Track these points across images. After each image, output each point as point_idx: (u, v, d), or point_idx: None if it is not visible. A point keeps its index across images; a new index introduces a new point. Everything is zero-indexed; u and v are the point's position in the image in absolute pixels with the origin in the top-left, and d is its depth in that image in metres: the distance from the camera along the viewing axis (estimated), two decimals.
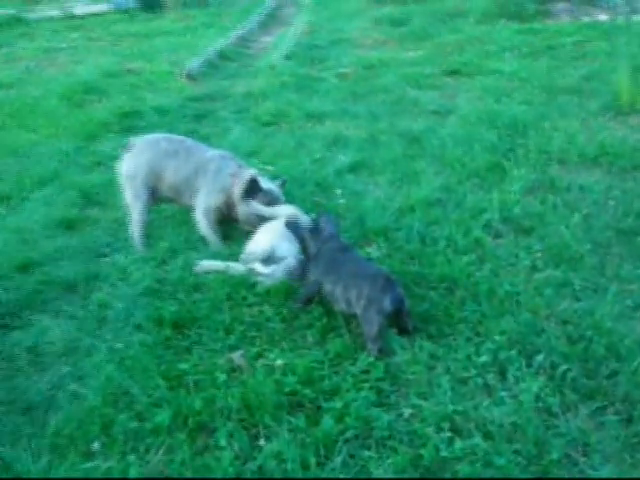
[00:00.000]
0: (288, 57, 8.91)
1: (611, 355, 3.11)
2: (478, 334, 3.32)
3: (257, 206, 4.22)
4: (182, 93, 7.52)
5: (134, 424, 2.84)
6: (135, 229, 4.33)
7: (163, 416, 2.82)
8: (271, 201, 4.25)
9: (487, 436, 2.75)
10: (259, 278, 3.69)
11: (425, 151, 5.54)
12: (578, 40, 9.04)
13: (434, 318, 3.43)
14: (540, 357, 3.14)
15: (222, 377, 3.06)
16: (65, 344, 3.41)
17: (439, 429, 2.77)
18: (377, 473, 2.56)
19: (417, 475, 2.57)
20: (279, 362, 3.10)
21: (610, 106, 6.29)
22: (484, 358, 3.11)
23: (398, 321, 3.27)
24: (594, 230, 4.27)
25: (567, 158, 5.34)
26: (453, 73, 8.16)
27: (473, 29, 10.11)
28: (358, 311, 3.21)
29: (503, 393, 2.97)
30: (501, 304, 3.51)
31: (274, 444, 2.69)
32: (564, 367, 3.06)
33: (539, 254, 4.00)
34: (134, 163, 4.32)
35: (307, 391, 2.95)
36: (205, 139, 5.48)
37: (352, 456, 2.67)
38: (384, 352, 3.15)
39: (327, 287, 3.39)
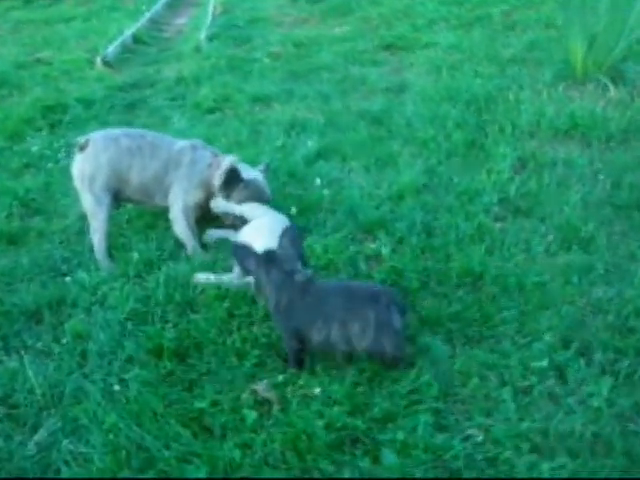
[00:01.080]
0: (210, 39, 8.30)
1: None
2: (521, 334, 3.00)
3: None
4: (103, 82, 6.80)
5: None
6: (97, 241, 3.74)
7: (199, 475, 2.32)
8: (254, 192, 3.77)
9: (571, 453, 2.42)
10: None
11: (392, 132, 5.18)
12: (505, 9, 8.90)
13: (469, 320, 3.08)
14: (598, 355, 2.84)
15: (252, 415, 2.59)
16: (45, 390, 2.82)
17: (518, 451, 2.42)
18: None
19: None
20: (316, 390, 2.65)
21: (564, 75, 6.12)
22: (543, 363, 2.77)
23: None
24: (591, 207, 4.07)
25: (538, 132, 5.11)
26: (388, 48, 7.83)
27: (395, 2, 9.79)
28: (365, 343, 2.69)
29: (570, 400, 2.66)
30: (535, 297, 3.21)
31: None
32: (625, 364, 2.77)
33: (550, 237, 3.72)
34: (92, 164, 3.72)
35: (358, 422, 2.52)
36: None
37: None
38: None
39: (315, 337, 2.74)
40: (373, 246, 3.61)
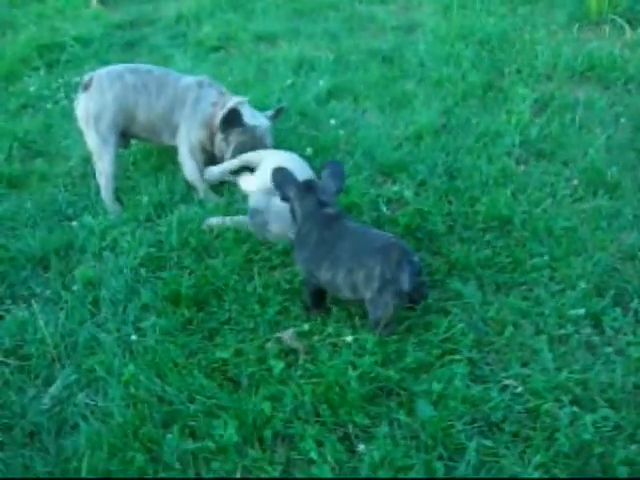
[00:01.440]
0: None
1: None
2: (554, 281, 2.90)
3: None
4: (100, 20, 6.48)
5: (190, 444, 2.20)
6: (104, 183, 3.57)
7: (228, 430, 2.20)
8: (252, 139, 3.56)
9: (612, 405, 2.33)
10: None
11: (405, 72, 4.97)
12: None
13: (500, 266, 2.96)
14: (635, 303, 2.74)
15: (279, 366, 2.47)
16: (57, 341, 2.68)
17: (559, 403, 2.32)
18: (523, 473, 2.08)
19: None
20: (348, 338, 2.52)
21: (578, 16, 5.88)
22: (580, 311, 2.66)
23: (412, 294, 2.54)
24: (614, 151, 3.92)
25: (555, 74, 4.90)
26: None
27: None
28: (368, 295, 2.51)
29: (608, 350, 2.56)
30: (566, 243, 3.09)
31: (376, 448, 2.15)
32: None
33: (575, 181, 3.58)
34: (98, 102, 3.52)
35: (391, 373, 2.41)
36: None
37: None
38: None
39: (324, 276, 2.61)
40: (395, 189, 3.47)
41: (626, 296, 2.80)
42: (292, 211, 2.80)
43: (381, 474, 2.07)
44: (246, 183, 3.27)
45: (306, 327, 2.63)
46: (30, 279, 3.09)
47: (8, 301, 2.97)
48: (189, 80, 3.68)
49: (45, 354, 2.64)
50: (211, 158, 3.68)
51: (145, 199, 3.50)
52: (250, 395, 2.34)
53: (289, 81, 4.81)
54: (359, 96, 4.62)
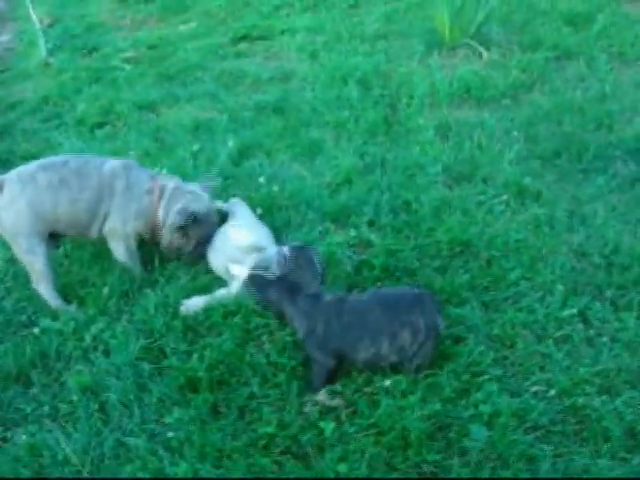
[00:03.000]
0: (52, 52, 7.69)
1: None
2: (534, 289, 3.15)
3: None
4: None
5: None
6: (44, 290, 3.36)
7: None
8: (211, 225, 3.53)
9: (634, 387, 2.62)
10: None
11: (302, 120, 5.12)
12: None
13: (482, 286, 3.18)
14: (608, 293, 3.06)
15: (329, 426, 2.50)
16: (82, 458, 2.52)
17: (589, 396, 2.57)
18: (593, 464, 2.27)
19: None
20: (387, 383, 2.61)
21: (434, 43, 6.36)
22: (572, 311, 2.93)
23: None
24: (521, 163, 4.31)
25: (437, 100, 5.29)
26: (245, 38, 7.68)
27: None
28: (415, 348, 2.61)
29: (603, 339, 2.87)
30: (526, 254, 3.37)
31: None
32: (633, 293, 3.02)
33: (504, 196, 3.92)
34: (11, 214, 3.28)
35: (437, 406, 2.53)
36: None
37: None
38: None
39: (362, 355, 2.63)
40: (353, 234, 3.58)
41: (597, 289, 3.10)
42: (278, 312, 2.82)
43: None
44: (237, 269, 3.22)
45: (337, 385, 2.67)
46: (14, 399, 2.87)
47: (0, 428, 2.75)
48: (114, 164, 3.45)
49: (71, 473, 2.47)
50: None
51: (105, 290, 3.36)
52: (319, 461, 2.35)
53: (195, 147, 4.81)
54: (270, 151, 4.72)
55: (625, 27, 6.12)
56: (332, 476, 2.28)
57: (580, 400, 2.52)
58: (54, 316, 3.31)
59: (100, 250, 3.73)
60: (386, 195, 3.95)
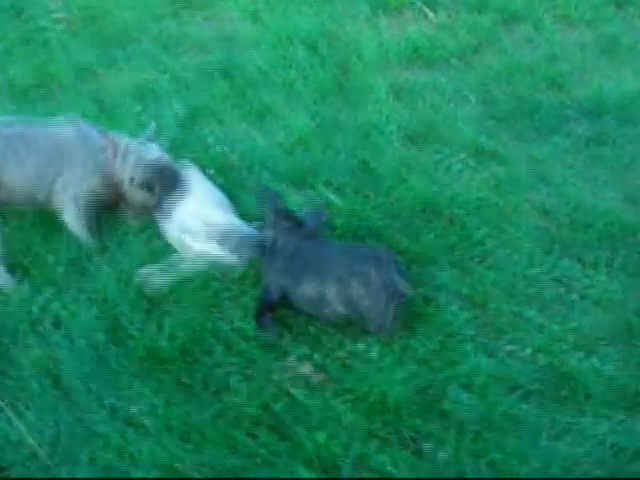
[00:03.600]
0: None
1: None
2: (502, 247, 3.09)
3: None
4: None
5: None
6: None
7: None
8: (174, 179, 3.35)
9: (608, 343, 2.57)
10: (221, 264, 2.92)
11: (250, 82, 4.89)
12: None
13: (447, 245, 3.10)
14: (575, 250, 3.02)
15: (302, 393, 2.37)
16: (36, 437, 2.33)
17: (567, 353, 2.52)
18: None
19: None
20: (360, 347, 2.50)
21: (378, 4, 6.20)
22: (544, 268, 2.88)
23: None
24: (476, 123, 4.23)
25: (387, 61, 5.15)
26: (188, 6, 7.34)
27: None
28: (366, 302, 2.55)
29: (573, 297, 2.83)
30: (490, 213, 3.31)
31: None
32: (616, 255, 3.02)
33: (462, 155, 3.83)
34: None
35: (413, 368, 2.43)
36: None
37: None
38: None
39: (306, 289, 2.61)
40: (312, 194, 3.43)
41: (563, 247, 3.05)
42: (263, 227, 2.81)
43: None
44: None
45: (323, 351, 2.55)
46: None
47: None
48: (61, 123, 3.31)
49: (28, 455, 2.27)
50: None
51: (51, 259, 3.13)
52: (295, 431, 2.22)
53: (138, 108, 4.54)
54: (217, 112, 4.50)
55: None
56: (311, 446, 2.14)
57: (557, 358, 2.46)
58: None
59: (42, 218, 3.48)
60: (342, 155, 3.81)
